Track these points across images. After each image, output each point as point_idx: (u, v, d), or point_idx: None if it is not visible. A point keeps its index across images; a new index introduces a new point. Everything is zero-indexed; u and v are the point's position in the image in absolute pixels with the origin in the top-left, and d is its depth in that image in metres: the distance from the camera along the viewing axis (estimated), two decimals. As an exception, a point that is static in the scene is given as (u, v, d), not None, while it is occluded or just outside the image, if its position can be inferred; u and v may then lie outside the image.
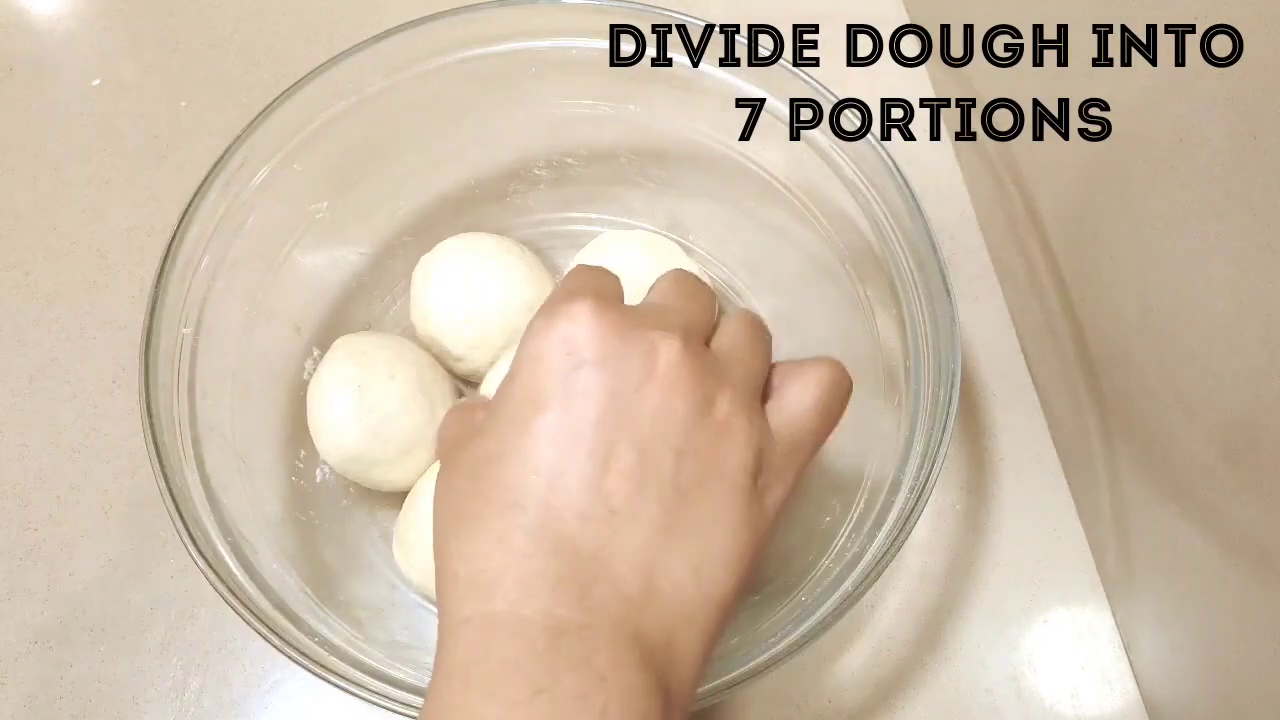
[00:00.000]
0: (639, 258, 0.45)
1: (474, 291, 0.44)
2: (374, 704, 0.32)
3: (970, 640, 0.45)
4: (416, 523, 0.41)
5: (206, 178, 0.38)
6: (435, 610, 0.42)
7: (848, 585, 0.33)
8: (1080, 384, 0.46)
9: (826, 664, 0.44)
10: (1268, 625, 0.35)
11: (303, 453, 0.43)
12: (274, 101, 0.39)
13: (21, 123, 0.55)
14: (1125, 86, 0.38)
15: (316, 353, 0.45)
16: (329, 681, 0.32)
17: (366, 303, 0.48)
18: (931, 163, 0.55)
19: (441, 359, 0.46)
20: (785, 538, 0.44)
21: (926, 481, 0.34)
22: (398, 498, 0.43)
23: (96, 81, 0.56)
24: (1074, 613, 0.45)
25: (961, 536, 0.47)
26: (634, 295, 0.45)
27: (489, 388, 0.44)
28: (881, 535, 0.34)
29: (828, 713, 0.43)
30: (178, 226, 0.38)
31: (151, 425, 0.35)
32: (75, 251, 0.52)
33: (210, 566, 0.33)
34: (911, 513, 0.34)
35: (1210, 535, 0.38)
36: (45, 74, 0.57)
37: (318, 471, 0.44)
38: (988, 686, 0.44)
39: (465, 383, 0.48)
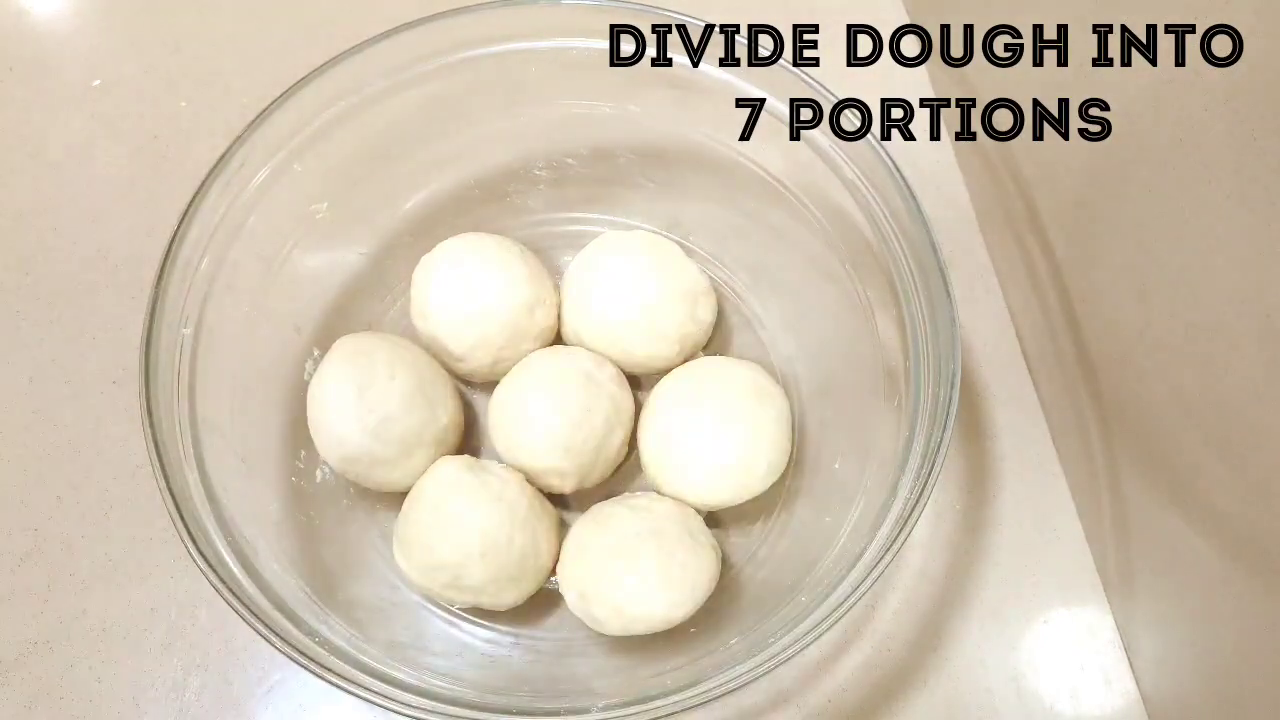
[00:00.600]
0: (639, 258, 0.45)
1: (474, 292, 0.44)
2: (374, 704, 0.32)
3: (970, 640, 0.45)
4: (417, 523, 0.41)
5: (206, 178, 0.38)
6: (436, 611, 0.43)
7: (847, 585, 0.33)
8: (1080, 384, 0.46)
9: (826, 664, 0.44)
10: (1267, 625, 0.35)
11: (303, 453, 0.43)
12: (274, 102, 0.39)
13: (21, 123, 0.55)
14: (1125, 86, 0.38)
15: (317, 353, 0.45)
16: (329, 681, 0.32)
17: (366, 303, 0.48)
18: (931, 163, 0.55)
19: (442, 359, 0.46)
20: (786, 538, 0.44)
21: (926, 481, 0.34)
22: (398, 498, 0.43)
23: (96, 81, 0.56)
24: (1074, 613, 0.45)
25: (961, 536, 0.47)
26: (632, 297, 0.45)
27: (497, 398, 0.45)
28: (881, 535, 0.34)
29: (828, 712, 0.43)
30: (178, 226, 0.38)
31: (151, 425, 0.35)
32: (75, 251, 0.52)
33: (210, 566, 0.33)
34: (911, 513, 0.34)
35: (1210, 535, 0.38)
36: (45, 74, 0.57)
37: (318, 472, 0.44)
38: (988, 686, 0.44)
39: (466, 383, 0.48)
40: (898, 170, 0.38)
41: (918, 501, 0.34)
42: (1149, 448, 0.41)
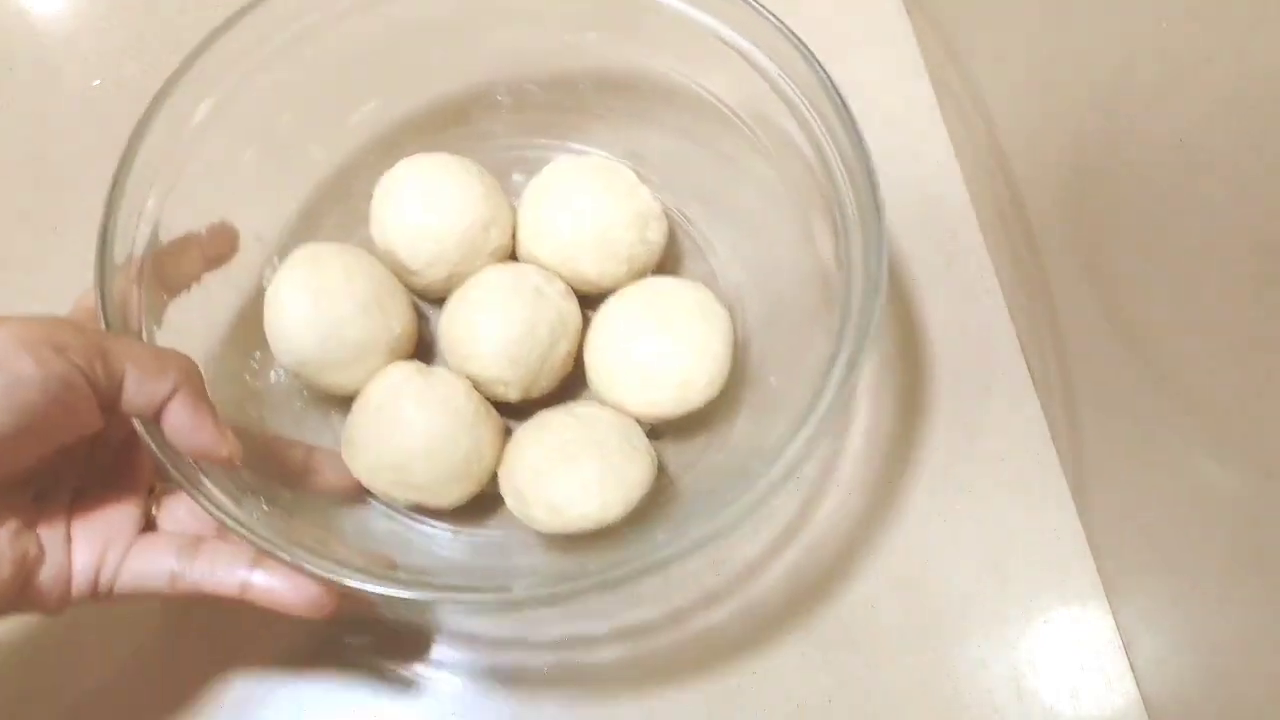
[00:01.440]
0: (592, 181, 0.47)
1: (431, 208, 0.46)
2: (307, 574, 0.34)
3: (970, 640, 0.45)
4: (365, 424, 0.43)
5: (170, 78, 0.40)
6: (380, 507, 0.44)
7: (766, 483, 0.34)
8: (1080, 384, 0.46)
9: (827, 664, 0.44)
10: (1267, 625, 0.35)
11: (258, 353, 0.45)
12: (239, 11, 0.41)
13: (21, 123, 0.56)
14: (1125, 86, 0.38)
15: (276, 260, 0.46)
16: (266, 551, 0.33)
17: (328, 218, 0.49)
18: (932, 163, 0.55)
19: (398, 273, 0.47)
20: (724, 452, 0.45)
21: (846, 382, 0.35)
22: (350, 402, 0.45)
23: (97, 81, 0.57)
24: (1074, 613, 0.45)
25: (961, 538, 0.47)
26: (584, 218, 0.46)
27: (447, 310, 0.47)
28: (802, 436, 0.35)
29: (828, 713, 0.43)
30: (132, 137, 0.40)
31: (107, 319, 0.37)
32: (75, 251, 0.52)
33: (164, 459, 0.34)
34: (829, 412, 0.35)
35: (1211, 535, 0.38)
36: (45, 74, 0.58)
37: (271, 374, 0.46)
38: (988, 686, 0.44)
39: (421, 297, 0.50)
40: (836, 91, 0.39)
41: (835, 404, 0.35)
42: (1149, 448, 0.41)
